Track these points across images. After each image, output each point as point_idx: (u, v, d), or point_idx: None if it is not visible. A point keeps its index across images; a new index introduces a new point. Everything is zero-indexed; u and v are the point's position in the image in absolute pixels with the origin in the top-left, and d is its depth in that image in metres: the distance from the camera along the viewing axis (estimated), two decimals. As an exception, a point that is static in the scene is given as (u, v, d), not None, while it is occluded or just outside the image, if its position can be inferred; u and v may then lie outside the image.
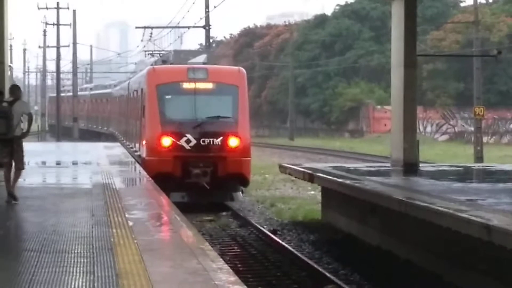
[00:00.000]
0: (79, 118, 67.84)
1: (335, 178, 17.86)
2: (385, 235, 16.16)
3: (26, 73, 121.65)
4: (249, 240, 18.10)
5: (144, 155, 23.81)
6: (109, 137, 46.79)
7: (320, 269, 14.25)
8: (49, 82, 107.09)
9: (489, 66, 60.61)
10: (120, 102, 38.72)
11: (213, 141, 22.70)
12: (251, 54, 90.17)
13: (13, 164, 13.64)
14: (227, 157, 22.66)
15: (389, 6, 22.01)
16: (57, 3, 68.05)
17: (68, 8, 68.74)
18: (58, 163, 23.17)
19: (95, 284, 7.49)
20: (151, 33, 49.80)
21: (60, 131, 66.22)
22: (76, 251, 9.19)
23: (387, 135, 48.62)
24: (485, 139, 52.13)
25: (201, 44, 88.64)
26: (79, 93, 70.83)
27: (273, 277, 14.19)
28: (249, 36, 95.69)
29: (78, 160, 23.64)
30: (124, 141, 33.58)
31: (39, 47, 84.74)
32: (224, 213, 22.14)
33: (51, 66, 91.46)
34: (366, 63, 74.40)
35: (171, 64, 26.41)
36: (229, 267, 8.37)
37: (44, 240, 9.97)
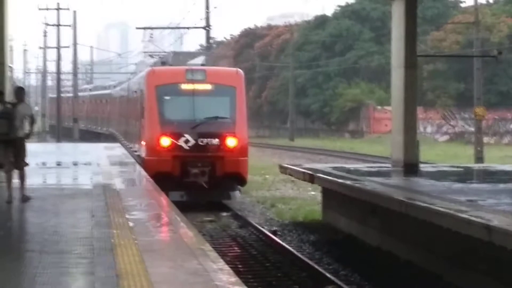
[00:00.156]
0: (79, 118, 67.82)
1: (335, 179, 17.87)
2: (386, 236, 16.16)
3: (27, 74, 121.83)
4: (250, 241, 18.11)
5: (143, 155, 23.95)
6: (109, 138, 46.77)
7: (321, 270, 14.25)
8: (49, 82, 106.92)
9: (490, 66, 60.54)
10: (120, 103, 38.75)
11: (211, 141, 22.93)
12: (252, 55, 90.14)
13: (16, 165, 13.68)
14: (225, 157, 22.88)
15: (390, 7, 22.00)
16: (58, 4, 68.10)
17: (68, 9, 68.99)
18: (58, 164, 23.17)
19: (96, 285, 7.50)
20: (152, 34, 49.83)
21: (61, 132, 66.25)
22: (76, 252, 9.19)
23: (387, 135, 48.55)
24: (485, 139, 52.09)
25: (201, 45, 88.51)
26: (78, 93, 70.79)
27: (274, 278, 14.19)
28: (250, 36, 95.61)
29: (78, 160, 23.64)
30: (124, 141, 33.66)
31: (40, 48, 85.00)
32: (224, 214, 22.20)
33: (51, 67, 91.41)
34: (366, 63, 74.33)
35: (170, 65, 26.54)
36: (229, 268, 8.37)
37: (45, 240, 9.98)
